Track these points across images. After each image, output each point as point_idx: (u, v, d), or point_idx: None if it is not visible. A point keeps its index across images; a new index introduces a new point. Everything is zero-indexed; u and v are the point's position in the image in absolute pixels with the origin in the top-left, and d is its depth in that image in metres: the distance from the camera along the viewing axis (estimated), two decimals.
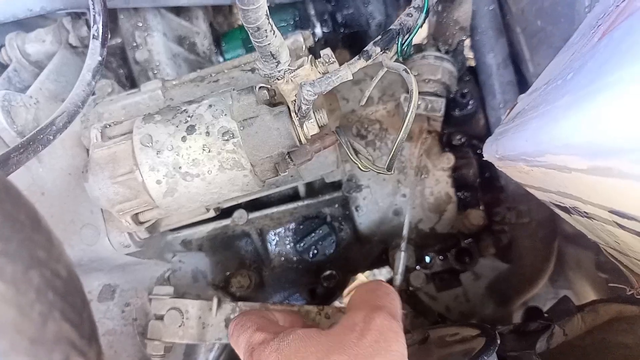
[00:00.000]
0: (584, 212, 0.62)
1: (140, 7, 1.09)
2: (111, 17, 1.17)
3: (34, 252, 0.32)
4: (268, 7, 1.10)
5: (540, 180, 0.65)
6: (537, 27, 1.07)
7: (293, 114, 0.70)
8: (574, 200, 0.61)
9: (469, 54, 1.21)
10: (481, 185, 1.22)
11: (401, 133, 0.60)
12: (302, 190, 1.12)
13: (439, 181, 1.10)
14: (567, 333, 0.91)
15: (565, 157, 0.47)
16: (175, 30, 1.20)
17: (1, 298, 0.29)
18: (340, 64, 1.23)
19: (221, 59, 1.33)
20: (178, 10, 1.22)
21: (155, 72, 1.12)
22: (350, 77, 0.63)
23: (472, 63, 1.22)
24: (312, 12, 1.30)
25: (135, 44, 1.11)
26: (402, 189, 1.10)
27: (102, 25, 0.76)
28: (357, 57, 0.65)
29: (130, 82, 1.18)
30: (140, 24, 1.12)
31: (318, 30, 1.31)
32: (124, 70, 1.18)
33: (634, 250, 0.63)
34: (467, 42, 1.17)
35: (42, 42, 1.05)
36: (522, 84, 1.17)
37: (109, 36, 0.80)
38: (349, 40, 1.36)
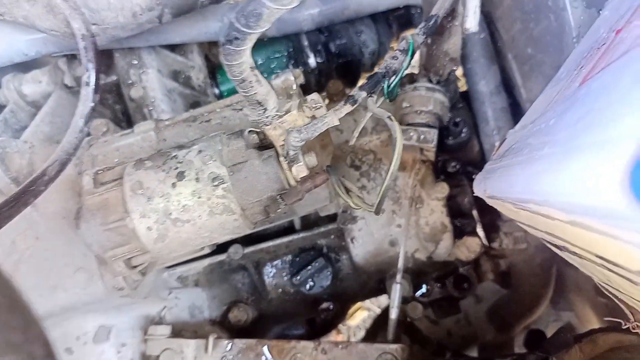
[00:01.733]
0: (573, 251, 0.63)
1: (135, 46, 1.10)
2: (107, 55, 1.19)
3: (8, 337, 0.32)
4: (261, 40, 1.11)
5: (529, 220, 0.66)
6: (528, 54, 1.08)
7: (282, 158, 0.70)
8: (562, 241, 0.61)
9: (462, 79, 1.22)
10: (478, 210, 1.22)
11: (386, 180, 0.60)
12: (297, 222, 1.12)
13: (433, 211, 1.10)
14: None
15: (548, 209, 0.47)
16: (170, 65, 1.21)
17: None
18: (334, 94, 1.25)
19: (216, 91, 1.34)
20: (173, 46, 1.24)
21: (151, 108, 1.13)
22: (337, 123, 0.64)
23: (465, 88, 1.23)
24: (306, 43, 1.31)
25: (130, 82, 1.13)
26: (397, 219, 1.10)
27: (95, 73, 0.77)
28: (342, 102, 0.66)
29: (126, 118, 1.20)
30: (135, 62, 1.13)
31: (312, 61, 1.33)
32: (120, 107, 1.20)
33: (625, 290, 0.63)
34: (460, 69, 1.17)
35: (39, 83, 1.07)
36: (516, 109, 1.17)
37: (101, 81, 0.81)
38: (343, 69, 1.38)
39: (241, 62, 0.54)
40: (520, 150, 0.61)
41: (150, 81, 1.13)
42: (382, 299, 2.32)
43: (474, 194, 1.16)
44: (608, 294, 0.77)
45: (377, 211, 0.65)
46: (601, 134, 0.36)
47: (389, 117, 0.61)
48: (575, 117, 0.46)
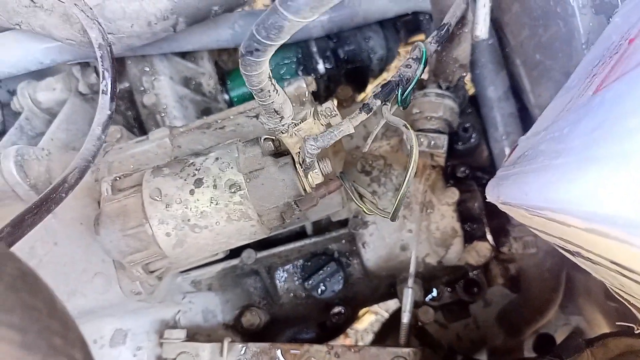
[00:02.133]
0: (587, 257, 0.63)
1: (147, 54, 1.12)
2: (119, 62, 1.21)
3: (51, 341, 0.33)
4: None
5: (543, 226, 0.66)
6: (536, 60, 1.09)
7: (297, 165, 0.71)
8: (576, 247, 0.62)
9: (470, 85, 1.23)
10: (487, 215, 1.23)
11: (403, 187, 0.61)
12: (309, 227, 1.13)
13: (444, 216, 1.11)
14: None
15: (564, 216, 0.48)
16: (181, 72, 1.23)
17: None
18: (343, 100, 1.26)
19: (227, 97, 1.36)
20: (183, 53, 1.25)
21: (163, 114, 1.14)
22: (352, 131, 0.65)
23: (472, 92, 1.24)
24: (315, 49, 1.33)
25: (142, 89, 1.14)
26: (407, 224, 1.11)
27: (111, 81, 0.79)
28: (358, 110, 0.67)
29: (139, 124, 1.21)
30: (147, 69, 1.15)
31: (321, 67, 1.34)
32: (132, 113, 1.21)
33: (638, 294, 0.63)
34: (468, 75, 1.18)
35: (53, 91, 1.09)
36: (524, 115, 1.18)
37: (117, 89, 0.83)
38: (352, 75, 1.39)
39: (260, 72, 0.55)
40: (534, 158, 0.62)
41: (162, 88, 1.14)
42: (390, 303, 2.34)
43: (486, 200, 1.18)
44: (620, 299, 0.77)
45: (394, 217, 0.66)
46: (617, 146, 0.37)
47: (404, 125, 0.62)
48: (590, 126, 0.47)
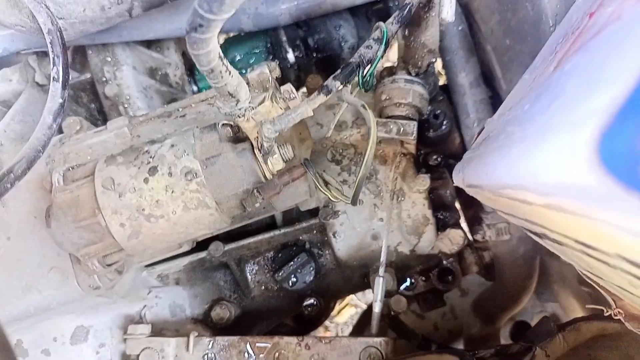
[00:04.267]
0: (553, 238, 0.62)
1: (108, 42, 1.08)
2: (80, 52, 1.17)
3: None
4: (238, 35, 1.09)
5: (508, 208, 0.65)
6: (507, 45, 1.08)
7: (256, 150, 0.69)
8: (541, 228, 0.61)
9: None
10: (461, 203, 1.22)
11: (362, 168, 0.59)
12: (279, 218, 1.11)
13: (415, 204, 1.09)
14: (549, 354, 0.90)
15: (524, 192, 0.46)
16: (145, 62, 1.19)
17: None
18: (314, 89, 1.24)
19: (195, 88, 1.32)
20: (149, 42, 1.22)
21: (126, 106, 1.11)
22: (311, 114, 0.63)
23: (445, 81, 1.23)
24: (284, 38, 1.30)
25: (104, 79, 1.11)
26: (378, 213, 1.09)
27: (62, 67, 0.75)
28: (316, 92, 0.64)
29: (102, 116, 1.17)
30: (109, 59, 1.11)
31: (291, 56, 1.31)
32: (95, 105, 1.18)
33: (605, 275, 0.62)
34: (439, 61, 1.17)
35: (9, 82, 1.05)
36: (496, 100, 1.17)
37: (71, 76, 0.79)
38: (323, 64, 1.36)
39: (208, 50, 0.52)
40: (496, 137, 0.60)
41: (125, 78, 1.11)
42: (369, 295, 2.32)
43: (454, 184, 1.16)
44: (590, 282, 0.76)
45: (354, 202, 0.64)
46: (572, 114, 0.36)
47: (362, 105, 0.60)
48: (548, 100, 0.46)
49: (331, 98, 0.67)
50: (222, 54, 0.56)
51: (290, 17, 1.19)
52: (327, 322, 2.28)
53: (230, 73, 0.59)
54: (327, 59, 1.37)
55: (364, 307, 2.36)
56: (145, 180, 0.68)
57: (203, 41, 0.50)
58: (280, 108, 0.67)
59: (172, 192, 0.67)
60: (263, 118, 0.65)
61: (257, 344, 0.95)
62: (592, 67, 0.40)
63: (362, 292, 2.30)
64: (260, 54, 1.32)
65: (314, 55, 1.34)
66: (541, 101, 0.49)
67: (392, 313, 1.12)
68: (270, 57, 1.32)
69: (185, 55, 1.34)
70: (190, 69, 1.33)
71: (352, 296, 2.32)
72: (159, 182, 0.67)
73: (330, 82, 0.65)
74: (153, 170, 0.68)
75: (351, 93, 0.68)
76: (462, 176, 0.70)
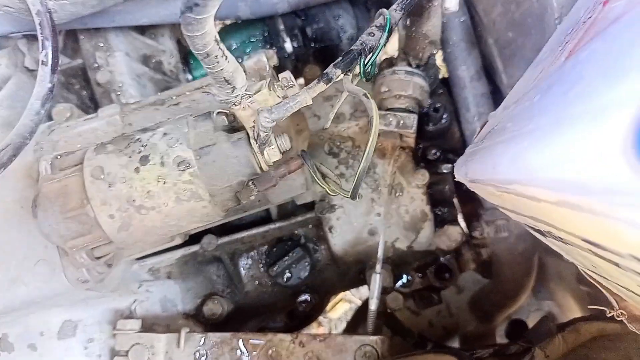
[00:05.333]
0: (558, 237, 0.60)
1: (101, 27, 1.05)
2: (72, 37, 1.13)
3: None
4: (235, 23, 1.06)
5: (512, 204, 0.63)
6: (509, 38, 1.05)
7: (252, 141, 0.66)
8: (547, 226, 0.59)
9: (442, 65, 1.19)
10: (459, 199, 1.20)
11: (363, 161, 0.57)
12: (274, 212, 1.09)
13: (414, 199, 1.07)
14: (548, 354, 0.88)
15: (534, 188, 0.44)
16: (139, 49, 1.16)
17: None
18: (312, 79, 1.21)
19: (189, 77, 1.29)
20: (143, 29, 1.19)
21: (118, 93, 1.08)
22: (310, 102, 0.60)
23: (446, 74, 1.20)
24: (282, 27, 1.27)
25: (96, 65, 1.07)
26: (376, 207, 1.07)
27: (52, 51, 0.72)
28: (316, 80, 0.62)
29: (94, 104, 1.14)
30: (102, 44, 1.08)
31: (288, 46, 1.28)
32: (87, 92, 1.14)
33: (611, 276, 0.60)
34: (440, 54, 1.14)
35: None
36: (497, 95, 1.15)
37: (60, 61, 0.76)
38: (321, 54, 1.33)
39: (204, 33, 0.50)
40: (503, 130, 0.58)
41: (117, 65, 1.07)
42: (364, 291, 2.31)
43: (455, 180, 1.14)
44: (592, 282, 0.74)
45: (354, 196, 0.62)
46: (596, 101, 0.33)
47: (364, 94, 0.57)
48: (563, 89, 0.43)
49: (330, 88, 0.64)
50: (218, 37, 0.53)
51: (288, 5, 1.16)
52: (320, 318, 2.26)
53: (226, 58, 0.56)
54: (325, 49, 1.34)
55: (359, 302, 2.34)
56: (136, 170, 0.65)
57: (198, 22, 0.48)
58: (278, 96, 0.64)
59: (164, 182, 0.65)
60: (260, 106, 0.62)
61: (250, 341, 0.92)
62: (616, 53, 0.37)
63: (357, 288, 2.28)
64: (257, 42, 1.29)
65: (312, 45, 1.31)
66: (554, 91, 0.47)
67: (389, 310, 1.10)
68: (268, 46, 1.29)
69: (180, 43, 1.30)
70: (185, 57, 1.30)
71: (346, 291, 2.30)
72: (151, 172, 0.65)
73: (330, 70, 0.62)
74: (144, 160, 0.65)
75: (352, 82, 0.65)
76: (465, 170, 0.67)
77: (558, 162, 0.37)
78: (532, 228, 0.71)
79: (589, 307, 0.84)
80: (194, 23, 0.48)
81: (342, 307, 2.45)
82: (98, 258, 0.74)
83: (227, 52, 0.56)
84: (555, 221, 0.52)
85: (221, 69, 0.57)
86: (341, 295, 2.36)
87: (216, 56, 0.54)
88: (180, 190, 0.65)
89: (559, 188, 0.40)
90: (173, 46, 1.27)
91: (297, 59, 1.32)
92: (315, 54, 1.34)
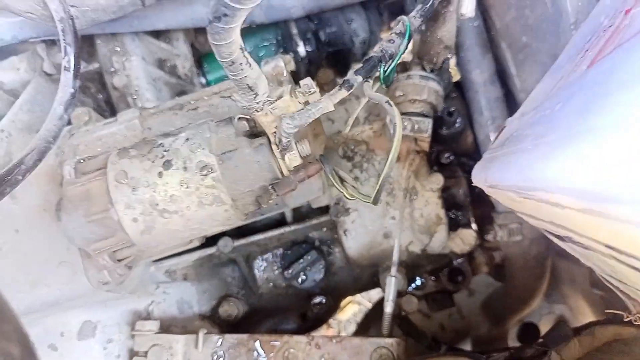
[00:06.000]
0: (578, 242, 0.60)
1: (117, 32, 1.06)
2: (88, 41, 1.14)
3: None
4: (249, 27, 1.06)
5: (532, 210, 0.63)
6: (523, 43, 1.06)
7: (274, 146, 0.67)
8: (567, 232, 0.59)
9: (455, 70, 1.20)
10: (472, 202, 1.20)
11: (386, 167, 0.57)
12: (289, 215, 1.09)
13: (428, 202, 1.07)
14: (564, 358, 0.89)
15: (559, 196, 0.45)
16: (154, 53, 1.17)
17: None
18: (324, 83, 1.22)
19: (203, 81, 1.30)
20: (157, 33, 1.20)
21: (135, 97, 1.09)
22: (332, 109, 0.61)
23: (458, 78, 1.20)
24: (295, 31, 1.28)
25: (113, 69, 1.09)
26: (391, 211, 1.07)
27: (74, 57, 0.73)
28: (337, 87, 0.62)
29: (110, 107, 1.15)
30: (118, 49, 1.09)
31: (301, 49, 1.29)
32: (103, 96, 1.15)
33: (631, 281, 0.61)
34: (453, 58, 1.15)
35: (17, 71, 1.02)
36: (510, 99, 1.15)
37: (81, 66, 0.78)
38: (333, 58, 1.34)
39: (230, 41, 0.50)
40: (524, 137, 0.58)
41: (134, 69, 1.08)
42: (373, 293, 2.31)
43: (472, 184, 1.15)
44: (609, 286, 0.75)
45: (375, 201, 0.63)
46: (623, 110, 0.34)
47: (387, 101, 0.58)
48: (585, 99, 0.44)
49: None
50: (243, 45, 0.54)
51: (302, 9, 1.17)
52: (330, 320, 2.27)
53: (250, 65, 0.57)
54: (338, 53, 1.35)
55: (368, 305, 2.35)
56: (160, 175, 0.66)
57: (226, 31, 0.48)
58: (299, 102, 0.65)
59: (187, 187, 0.65)
60: (282, 112, 0.63)
61: (271, 342, 0.93)
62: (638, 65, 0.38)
63: (366, 290, 2.29)
64: (271, 46, 1.30)
65: (325, 49, 1.32)
66: (576, 100, 0.47)
67: (403, 313, 1.10)
68: (281, 50, 1.30)
69: (194, 47, 1.31)
70: (199, 61, 1.31)
71: (355, 294, 2.30)
72: (174, 177, 0.66)
73: (351, 76, 0.63)
74: (167, 164, 0.66)
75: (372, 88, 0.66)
76: (485, 176, 0.68)
77: (584, 170, 0.38)
78: (551, 233, 0.71)
79: (607, 311, 0.85)
80: (222, 32, 0.49)
81: (351, 309, 2.46)
82: (120, 260, 0.75)
83: (250, 59, 0.57)
84: (577, 227, 0.53)
85: (245, 76, 0.57)
86: (350, 297, 2.36)
87: (241, 64, 0.55)
88: (202, 195, 0.66)
89: (585, 196, 0.40)
90: (187, 50, 1.27)
91: (310, 63, 1.33)
92: (327, 58, 1.35)
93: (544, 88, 0.72)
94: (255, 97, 0.62)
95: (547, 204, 0.51)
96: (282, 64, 0.85)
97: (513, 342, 1.44)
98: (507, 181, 0.59)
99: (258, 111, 0.64)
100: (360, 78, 0.63)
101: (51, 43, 1.03)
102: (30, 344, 0.35)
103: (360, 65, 0.64)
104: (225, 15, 0.46)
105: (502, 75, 1.16)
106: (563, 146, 0.42)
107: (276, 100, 0.64)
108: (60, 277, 0.79)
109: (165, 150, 0.67)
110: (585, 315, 1.33)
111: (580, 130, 0.40)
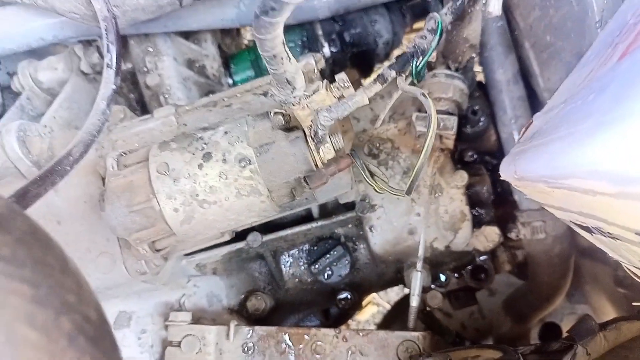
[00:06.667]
0: (608, 232, 0.61)
1: (150, 33, 1.09)
2: (122, 41, 1.18)
3: (64, 297, 0.32)
4: None
5: (561, 200, 0.65)
6: (547, 42, 1.07)
7: (309, 139, 0.69)
8: (597, 221, 0.60)
9: (477, 69, 1.21)
10: (494, 200, 1.21)
11: (421, 157, 0.59)
12: (315, 211, 1.11)
13: (453, 199, 1.09)
14: (590, 352, 0.89)
15: (593, 182, 0.46)
16: (184, 54, 1.21)
17: (33, 346, 0.28)
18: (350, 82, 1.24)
19: (230, 81, 1.33)
20: (187, 34, 1.23)
21: (166, 96, 1.12)
22: (367, 102, 0.63)
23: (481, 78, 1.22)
24: (320, 32, 1.30)
25: (146, 69, 1.12)
26: (416, 208, 1.09)
27: (116, 54, 0.77)
28: (372, 81, 0.65)
29: (141, 106, 1.19)
30: (151, 49, 1.12)
31: (326, 50, 1.32)
32: (135, 95, 1.19)
33: None
34: (476, 58, 1.17)
35: (54, 70, 1.06)
36: (533, 99, 1.16)
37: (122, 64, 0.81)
38: (357, 59, 1.37)
39: (275, 35, 0.53)
40: (555, 129, 0.60)
41: (166, 69, 1.12)
42: (392, 294, 2.32)
43: (495, 185, 1.16)
44: (636, 278, 0.76)
45: (409, 191, 0.65)
46: None
47: (422, 93, 0.60)
48: (620, 87, 0.46)
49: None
50: (284, 40, 0.56)
51: (329, 10, 1.20)
52: (349, 321, 2.28)
53: (290, 60, 0.59)
54: (362, 54, 1.37)
55: (387, 306, 2.36)
56: (200, 166, 0.68)
57: (272, 25, 0.51)
58: (335, 97, 0.67)
59: (226, 178, 0.68)
60: (318, 106, 0.66)
61: (296, 335, 0.95)
62: None
63: (384, 291, 2.30)
64: (296, 47, 1.33)
65: (350, 49, 1.35)
66: (610, 90, 0.49)
67: (427, 309, 1.12)
68: (306, 50, 1.32)
69: (221, 49, 1.35)
70: (226, 62, 1.34)
71: (373, 294, 2.32)
72: (213, 169, 0.68)
73: (385, 71, 0.65)
74: (207, 157, 0.69)
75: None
76: (514, 169, 0.70)
77: (618, 152, 0.39)
78: (578, 226, 0.72)
79: (633, 304, 0.86)
80: (268, 26, 0.51)
81: (369, 309, 2.47)
82: (158, 250, 0.78)
83: (290, 54, 0.60)
84: (608, 215, 0.54)
85: (284, 71, 0.60)
86: (369, 297, 2.38)
87: (282, 58, 0.58)
88: (240, 186, 0.68)
89: (620, 180, 0.42)
90: (215, 51, 1.31)
91: (334, 63, 1.36)
92: (352, 59, 1.37)
93: (572, 82, 0.74)
94: (292, 91, 0.64)
95: (579, 192, 0.53)
96: (313, 61, 0.87)
97: (535, 341, 1.45)
98: (537, 172, 0.60)
99: (295, 105, 0.66)
100: (394, 72, 0.65)
101: (88, 43, 1.07)
102: (102, 311, 0.37)
103: (394, 60, 0.66)
104: (273, 9, 0.49)
105: (525, 75, 1.17)
106: (597, 132, 0.44)
107: (312, 95, 0.66)
108: (100, 266, 0.82)
109: (205, 143, 0.70)
110: (608, 314, 1.33)
111: (616, 116, 0.42)
